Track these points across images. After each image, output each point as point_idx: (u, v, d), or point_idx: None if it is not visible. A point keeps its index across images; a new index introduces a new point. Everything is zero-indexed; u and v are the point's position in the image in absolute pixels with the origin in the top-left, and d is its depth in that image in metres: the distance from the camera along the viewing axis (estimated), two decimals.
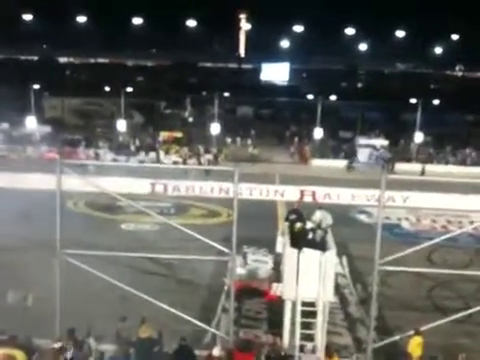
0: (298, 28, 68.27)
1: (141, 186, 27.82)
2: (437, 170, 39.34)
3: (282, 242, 14.61)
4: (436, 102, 63.23)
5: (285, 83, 75.93)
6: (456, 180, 14.08)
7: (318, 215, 14.31)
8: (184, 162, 37.12)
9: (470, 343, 12.55)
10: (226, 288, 14.66)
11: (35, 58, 74.47)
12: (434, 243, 12.07)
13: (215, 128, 44.16)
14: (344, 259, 18.74)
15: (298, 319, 11.49)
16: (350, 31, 67.01)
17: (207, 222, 24.09)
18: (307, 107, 52.38)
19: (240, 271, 15.69)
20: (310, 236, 12.11)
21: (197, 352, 10.76)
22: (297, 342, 11.44)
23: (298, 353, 11.18)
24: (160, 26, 62.75)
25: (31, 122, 44.34)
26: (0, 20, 53.97)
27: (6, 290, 13.93)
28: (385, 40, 65.96)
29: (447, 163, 42.72)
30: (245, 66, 78.88)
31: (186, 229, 11.72)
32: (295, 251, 11.62)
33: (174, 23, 64.55)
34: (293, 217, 13.82)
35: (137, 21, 65.86)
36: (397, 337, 11.80)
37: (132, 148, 41.54)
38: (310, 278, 11.41)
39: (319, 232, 12.34)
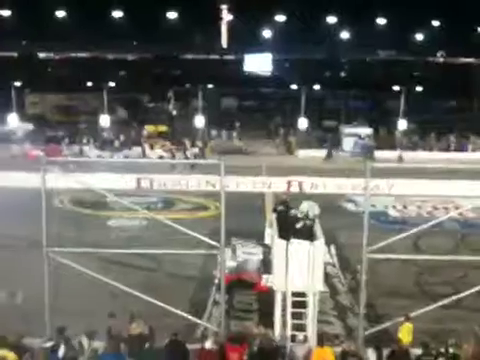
0: (280, 18, 68.14)
1: (127, 182, 27.69)
2: (421, 157, 39.69)
3: (270, 234, 14.64)
4: (419, 89, 63.60)
5: (268, 74, 75.78)
6: (440, 166, 14.23)
7: (305, 205, 14.37)
8: (173, 156, 36.91)
9: (460, 327, 12.69)
10: (216, 281, 14.66)
11: (15, 54, 73.42)
12: (421, 229, 12.16)
13: (200, 121, 44.00)
14: (332, 248, 18.84)
15: (289, 310, 11.54)
16: (331, 19, 67.04)
17: (195, 216, 24.05)
18: (291, 97, 52.38)
19: (230, 264, 15.69)
20: (298, 225, 12.13)
21: (189, 346, 10.76)
22: (288, 332, 11.49)
23: (290, 343, 11.23)
24: (140, 19, 62.15)
25: (13, 119, 43.80)
26: None
27: None
28: (367, 28, 66.06)
29: (431, 150, 43.10)
30: (228, 57, 78.56)
31: (174, 223, 11.68)
32: (284, 242, 11.65)
33: (154, 15, 64.03)
34: (281, 208, 13.84)
35: (117, 14, 65.21)
36: (387, 324, 11.90)
37: (116, 144, 41.21)
38: (299, 268, 11.45)
39: (307, 222, 12.36)
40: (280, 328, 11.83)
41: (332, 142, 42.50)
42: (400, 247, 13.49)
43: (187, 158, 37.45)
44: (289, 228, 12.17)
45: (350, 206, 26.24)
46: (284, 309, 11.70)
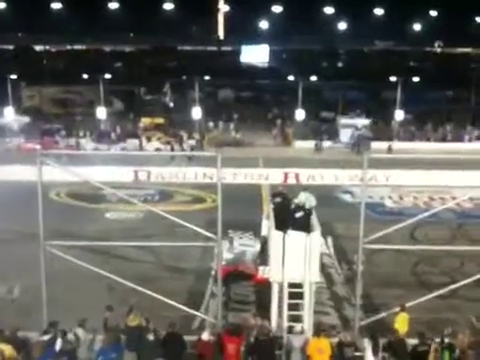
0: (276, 8, 67.89)
1: (124, 174, 27.66)
2: (418, 147, 39.72)
3: (267, 225, 14.66)
4: (416, 79, 63.53)
5: (265, 65, 75.62)
6: (437, 156, 14.24)
7: (302, 197, 14.37)
8: (173, 148, 36.80)
9: (455, 317, 12.76)
10: (213, 273, 14.69)
11: (10, 47, 73.06)
12: (417, 220, 12.18)
13: (197, 113, 43.91)
14: (329, 239, 18.89)
15: (285, 301, 11.58)
16: (329, 10, 66.80)
17: (192, 208, 24.06)
18: (288, 89, 52.29)
19: (227, 255, 15.72)
20: (298, 215, 12.14)
21: (186, 337, 10.79)
22: (285, 323, 11.54)
23: (287, 334, 11.27)
24: (136, 10, 61.89)
25: (9, 113, 43.66)
26: None
27: None
28: (364, 18, 65.86)
29: (428, 140, 43.14)
30: (224, 48, 78.31)
31: (171, 216, 11.68)
32: (280, 233, 11.66)
33: (151, 6, 63.75)
34: (278, 200, 13.85)
35: (113, 6, 64.85)
36: (383, 314, 11.94)
37: (113, 136, 41.13)
38: (296, 260, 11.47)
39: (303, 213, 12.38)
40: (277, 319, 11.88)
41: (322, 134, 42.40)
42: (396, 238, 13.51)
43: (184, 150, 37.41)
44: (286, 219, 12.19)
45: (347, 197, 26.27)
46: (281, 300, 11.74)
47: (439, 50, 77.99)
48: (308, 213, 12.51)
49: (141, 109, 52.94)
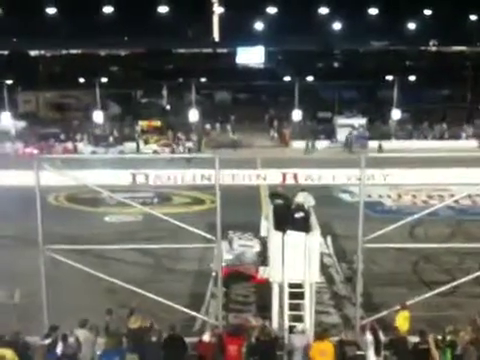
0: (271, 10, 67.94)
1: (122, 177, 27.64)
2: (416, 146, 39.75)
3: (266, 226, 14.66)
4: (412, 78, 63.66)
5: (261, 66, 75.69)
6: (435, 155, 14.28)
7: (300, 197, 14.37)
8: (173, 151, 36.77)
9: (457, 314, 12.76)
10: (214, 274, 14.68)
11: (5, 53, 72.99)
12: (416, 218, 12.20)
13: (194, 115, 43.91)
14: (329, 239, 18.89)
15: (286, 301, 11.58)
16: (323, 10, 66.88)
17: (191, 210, 24.05)
18: (285, 89, 52.31)
19: (227, 256, 15.72)
20: (297, 215, 12.13)
21: (187, 339, 10.78)
22: (286, 324, 11.54)
23: (288, 334, 11.27)
24: (131, 13, 61.92)
25: (6, 118, 43.59)
26: None
27: None
28: (359, 18, 65.98)
29: (425, 138, 43.23)
30: (220, 50, 78.37)
31: (170, 218, 11.67)
32: (280, 234, 11.67)
33: (145, 10, 63.74)
34: (278, 201, 13.84)
35: (107, 10, 64.82)
36: (384, 312, 11.95)
37: (111, 139, 41.11)
38: (296, 260, 11.48)
39: (303, 214, 12.39)
40: (278, 319, 11.87)
41: (314, 135, 42.32)
42: (396, 236, 13.54)
43: (182, 152, 37.39)
44: (285, 220, 12.19)
45: (345, 196, 26.29)
46: (281, 300, 11.74)
47: (434, 49, 78.19)
48: (307, 213, 12.53)
49: (138, 112, 52.92)
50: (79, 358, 10.24)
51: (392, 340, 10.67)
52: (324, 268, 15.84)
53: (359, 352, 10.54)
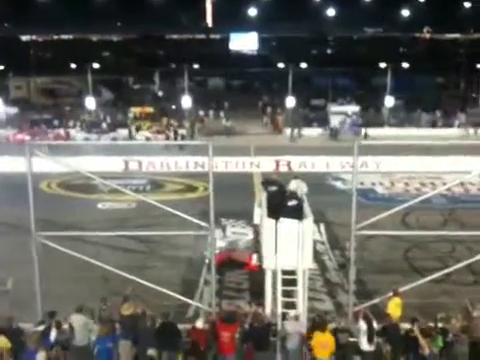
0: None
1: (115, 164, 27.51)
2: (408, 133, 39.82)
3: (259, 213, 14.66)
4: (406, 65, 63.57)
5: (255, 52, 75.35)
6: (428, 143, 14.32)
7: (293, 184, 14.37)
8: (167, 137, 36.53)
9: (448, 301, 12.85)
10: (207, 261, 14.70)
11: None
12: (408, 206, 12.23)
13: (186, 101, 43.67)
14: (322, 226, 18.95)
15: (279, 288, 11.62)
16: None
17: (184, 197, 24.01)
18: (278, 76, 52.08)
19: (220, 243, 15.74)
20: (291, 203, 12.12)
21: (181, 326, 10.80)
22: (279, 310, 11.59)
23: (281, 321, 11.32)
24: None
25: None
26: None
27: None
28: (352, 5, 65.71)
29: (418, 126, 43.25)
30: (213, 36, 77.87)
31: (163, 205, 11.64)
32: (273, 221, 11.67)
33: None
34: (272, 188, 13.81)
35: None
36: (377, 300, 12.02)
37: (103, 126, 40.84)
38: (289, 247, 11.50)
39: (296, 201, 12.38)
40: (271, 306, 11.92)
41: (298, 123, 42.20)
42: (388, 224, 13.59)
43: (175, 139, 37.19)
44: (279, 207, 12.18)
45: (338, 184, 26.33)
46: (275, 287, 11.77)
47: (428, 36, 78.06)
48: (300, 201, 12.53)
49: (130, 98, 52.56)
50: (73, 344, 10.26)
51: (384, 327, 10.73)
52: (317, 255, 15.91)
53: (352, 339, 10.61)
